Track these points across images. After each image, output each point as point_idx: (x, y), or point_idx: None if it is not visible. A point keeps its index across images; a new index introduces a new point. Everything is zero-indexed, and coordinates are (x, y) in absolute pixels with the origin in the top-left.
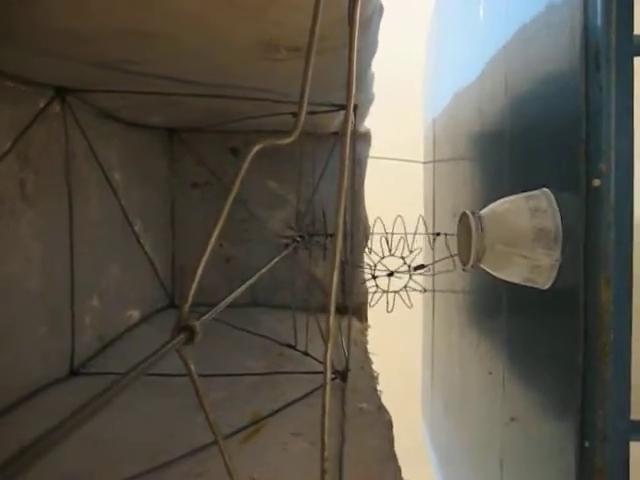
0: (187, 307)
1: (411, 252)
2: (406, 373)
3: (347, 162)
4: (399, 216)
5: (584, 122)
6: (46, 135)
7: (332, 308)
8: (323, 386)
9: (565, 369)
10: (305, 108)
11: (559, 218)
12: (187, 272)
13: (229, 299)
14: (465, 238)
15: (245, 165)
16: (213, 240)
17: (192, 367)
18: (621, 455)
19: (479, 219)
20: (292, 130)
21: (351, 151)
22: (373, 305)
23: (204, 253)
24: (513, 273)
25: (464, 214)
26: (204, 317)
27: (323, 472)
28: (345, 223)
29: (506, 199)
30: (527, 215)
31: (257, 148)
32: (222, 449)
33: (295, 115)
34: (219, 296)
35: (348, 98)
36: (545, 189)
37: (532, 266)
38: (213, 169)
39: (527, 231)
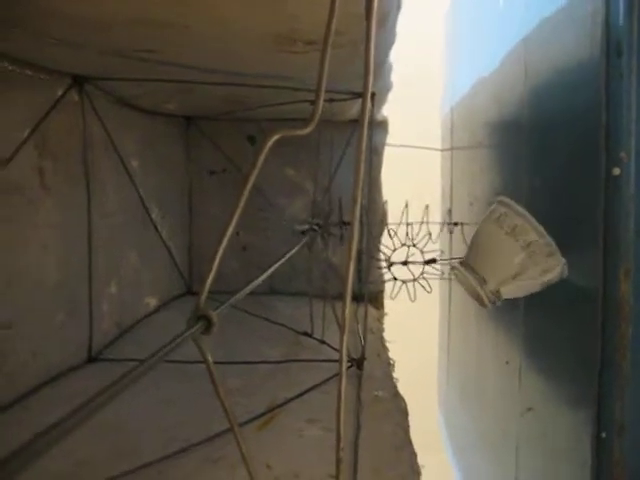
0: (204, 296)
1: (430, 238)
2: (423, 361)
3: (363, 152)
4: (426, 206)
5: (604, 110)
6: (64, 123)
7: (348, 299)
8: (339, 376)
9: (582, 360)
10: (322, 100)
11: (528, 216)
12: (204, 259)
13: (247, 289)
14: (470, 286)
15: (262, 156)
16: (230, 230)
17: (209, 356)
18: (639, 446)
19: (472, 271)
20: (309, 121)
21: (368, 140)
22: (394, 297)
23: (221, 242)
24: (532, 289)
25: (456, 270)
26: (221, 307)
27: (338, 460)
28: (362, 211)
29: (478, 230)
30: (508, 241)
31: (275, 138)
32: (238, 437)
33: (312, 103)
34: (237, 284)
35: (364, 98)
36: (500, 197)
37: (543, 280)
38: (230, 157)
39: (519, 256)
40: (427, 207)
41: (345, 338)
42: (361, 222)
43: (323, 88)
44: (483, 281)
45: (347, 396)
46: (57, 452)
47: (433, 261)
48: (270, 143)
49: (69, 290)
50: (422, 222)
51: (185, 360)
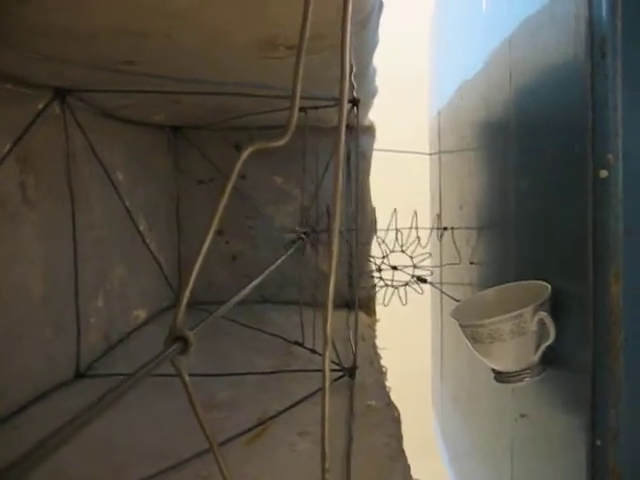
0: (181, 316)
1: (422, 247)
2: (416, 367)
3: (341, 161)
4: (415, 212)
5: (590, 111)
6: (46, 137)
7: (329, 309)
8: (322, 391)
9: (575, 366)
10: (297, 110)
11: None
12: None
13: (231, 302)
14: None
15: (237, 168)
16: (207, 242)
17: (187, 378)
18: (635, 453)
19: None
20: (284, 131)
21: (355, 145)
22: (387, 304)
23: (197, 259)
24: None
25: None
26: (200, 325)
27: (324, 471)
28: (351, 217)
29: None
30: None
31: (249, 151)
32: (217, 456)
33: (300, 111)
34: (227, 293)
35: (340, 102)
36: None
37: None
38: (218, 165)
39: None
40: (415, 213)
41: (327, 353)
42: (351, 228)
43: (298, 96)
44: None
45: (339, 406)
46: (47, 470)
47: (424, 281)
48: (245, 156)
49: (55, 304)
50: (411, 227)
51: (173, 374)
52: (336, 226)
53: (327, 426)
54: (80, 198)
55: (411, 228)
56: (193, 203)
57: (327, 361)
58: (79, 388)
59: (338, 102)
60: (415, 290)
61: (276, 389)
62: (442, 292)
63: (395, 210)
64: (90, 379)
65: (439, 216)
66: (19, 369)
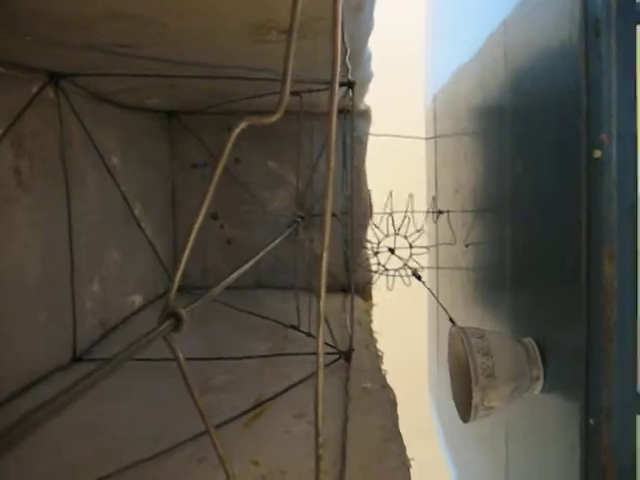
0: (174, 293)
1: (418, 231)
2: (413, 351)
3: (333, 144)
4: (410, 195)
5: (584, 92)
6: (40, 121)
7: (323, 292)
8: (316, 373)
9: (569, 345)
10: (288, 87)
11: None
12: (190, 254)
13: (223, 284)
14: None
15: (229, 144)
16: (196, 228)
17: (180, 355)
18: (627, 432)
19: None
20: (276, 108)
21: (350, 129)
22: (391, 289)
23: (188, 241)
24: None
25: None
26: (194, 305)
27: (318, 459)
28: (347, 202)
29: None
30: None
31: (240, 127)
32: (213, 437)
33: (294, 94)
34: (222, 278)
35: (333, 76)
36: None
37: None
38: (213, 150)
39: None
40: (411, 196)
41: (320, 334)
42: (346, 212)
43: (289, 75)
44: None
45: (335, 389)
46: (43, 454)
47: (418, 278)
48: (236, 132)
49: (51, 289)
50: (407, 211)
51: (167, 358)
52: (328, 206)
53: (321, 400)
54: (75, 182)
55: (407, 212)
56: (188, 188)
57: (321, 339)
58: (76, 372)
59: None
60: (404, 281)
61: (272, 372)
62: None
63: (391, 193)
64: (87, 363)
65: (434, 199)
66: (16, 353)
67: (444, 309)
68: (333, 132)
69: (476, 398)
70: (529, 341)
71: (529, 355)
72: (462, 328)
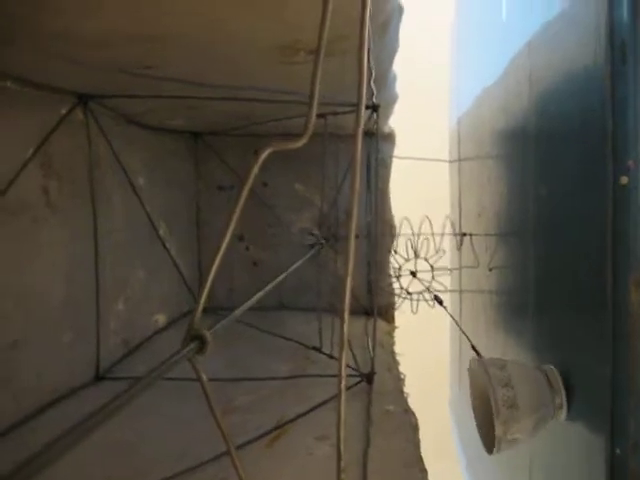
0: (198, 315)
1: (437, 252)
2: (435, 373)
3: (358, 165)
4: (426, 217)
5: (610, 118)
6: (69, 142)
7: (346, 315)
8: (338, 397)
9: (594, 374)
10: (315, 111)
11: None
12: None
13: (246, 305)
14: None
15: (255, 169)
16: (222, 250)
17: (204, 377)
18: None
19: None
20: (303, 133)
21: (375, 152)
22: (398, 306)
23: (214, 262)
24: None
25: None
26: (217, 326)
27: None
28: (371, 224)
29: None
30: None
31: (267, 152)
32: (234, 459)
33: (319, 117)
34: (249, 299)
35: (359, 99)
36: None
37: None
38: (238, 172)
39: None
40: (427, 219)
41: (343, 357)
42: (370, 235)
43: (316, 99)
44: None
45: (357, 411)
46: (73, 473)
47: (440, 303)
48: (263, 157)
49: (76, 308)
50: (425, 234)
51: (191, 378)
52: (352, 226)
53: (343, 423)
54: (102, 203)
55: (430, 235)
56: (213, 209)
57: (343, 365)
58: (98, 391)
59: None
60: (428, 304)
61: (295, 394)
62: (457, 324)
63: (424, 219)
64: (110, 382)
65: (452, 222)
66: (38, 372)
67: (466, 336)
68: (358, 154)
69: (499, 430)
70: (550, 369)
71: (551, 383)
72: (482, 360)
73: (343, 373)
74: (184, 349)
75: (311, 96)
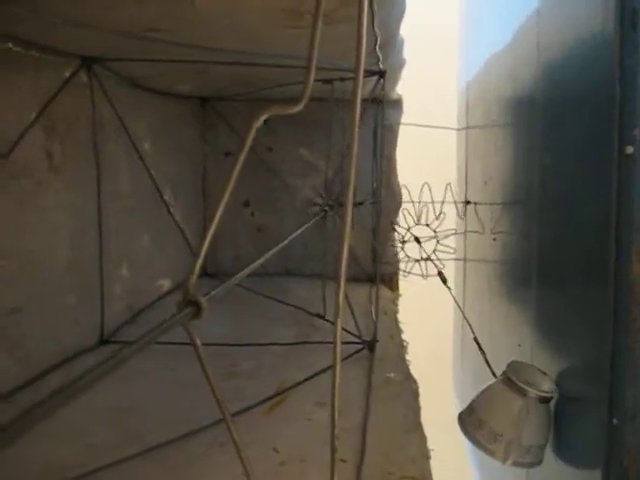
0: (193, 281)
1: (437, 218)
2: (438, 342)
3: (356, 132)
4: (426, 184)
5: (618, 85)
6: (73, 105)
7: (342, 281)
8: (333, 366)
9: (594, 344)
10: (312, 76)
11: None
12: (219, 240)
13: (243, 273)
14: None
15: (251, 133)
16: (217, 217)
17: (198, 342)
18: None
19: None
20: (300, 98)
21: (382, 118)
22: (406, 275)
23: (209, 230)
24: None
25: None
26: (214, 292)
27: (333, 450)
28: (377, 191)
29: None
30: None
31: (263, 117)
32: (229, 424)
33: (325, 82)
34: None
35: (357, 66)
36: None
37: None
38: (245, 137)
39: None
40: (427, 186)
41: (339, 325)
42: (375, 201)
43: (314, 64)
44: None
45: (358, 378)
46: (69, 435)
47: (444, 281)
48: (259, 122)
49: (80, 272)
50: (433, 202)
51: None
52: (350, 194)
53: (338, 392)
54: (106, 167)
55: (433, 202)
56: (219, 175)
57: (338, 334)
58: (103, 354)
59: (365, 74)
60: (436, 265)
61: (296, 360)
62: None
63: (427, 185)
64: (114, 345)
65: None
66: (44, 335)
67: (469, 325)
68: (357, 119)
69: (504, 460)
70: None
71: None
72: (462, 422)
73: (338, 341)
74: (179, 314)
75: (309, 61)
